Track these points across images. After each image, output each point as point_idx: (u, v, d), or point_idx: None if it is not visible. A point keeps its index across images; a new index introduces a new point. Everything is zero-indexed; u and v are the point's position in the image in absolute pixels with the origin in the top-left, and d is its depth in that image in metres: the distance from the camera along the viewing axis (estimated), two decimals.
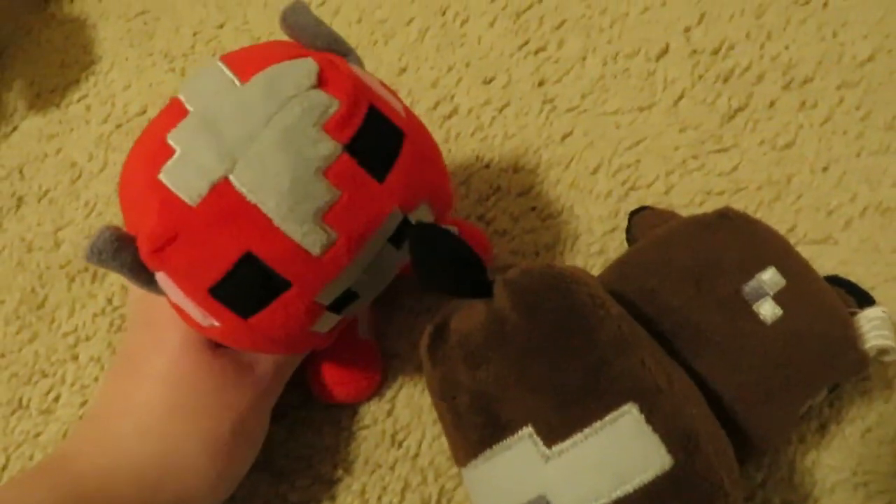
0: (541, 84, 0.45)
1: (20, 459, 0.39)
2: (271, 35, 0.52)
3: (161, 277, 0.28)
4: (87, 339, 0.42)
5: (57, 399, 0.41)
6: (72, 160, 0.49)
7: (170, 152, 0.26)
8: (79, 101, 0.52)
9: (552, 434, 0.24)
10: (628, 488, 0.23)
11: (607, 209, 0.40)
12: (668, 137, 0.41)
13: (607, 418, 0.23)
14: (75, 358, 0.42)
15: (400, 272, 0.31)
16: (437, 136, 0.44)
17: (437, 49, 0.48)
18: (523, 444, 0.24)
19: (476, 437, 0.25)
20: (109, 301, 0.43)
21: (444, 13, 0.49)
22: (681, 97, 0.42)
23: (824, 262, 0.36)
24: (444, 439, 0.35)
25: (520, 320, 0.25)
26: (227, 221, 0.26)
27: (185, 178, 0.26)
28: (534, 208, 0.41)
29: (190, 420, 0.29)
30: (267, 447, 0.37)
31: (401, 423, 0.36)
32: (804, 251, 0.32)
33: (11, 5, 0.59)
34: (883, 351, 0.29)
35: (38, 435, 0.40)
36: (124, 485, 0.28)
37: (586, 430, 0.23)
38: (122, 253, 0.27)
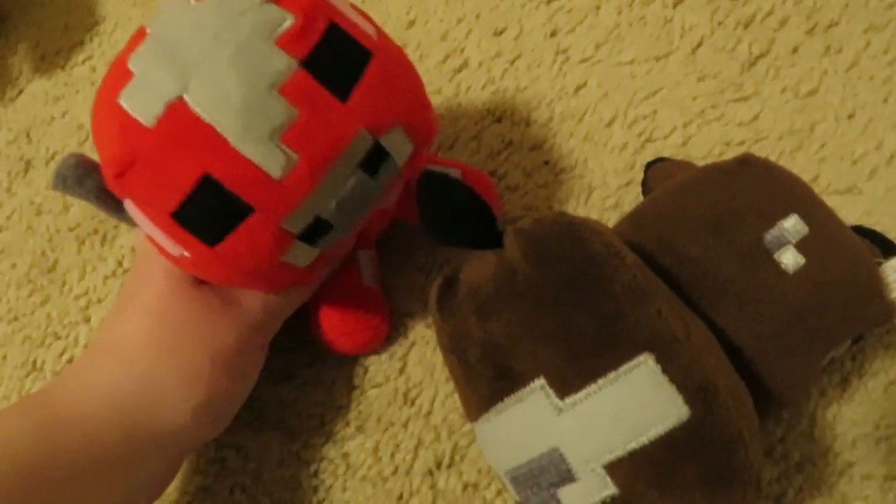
0: (553, 34, 0.43)
1: None
2: None
3: (129, 205, 0.28)
4: (99, 301, 0.42)
5: (70, 361, 0.41)
6: (78, 122, 0.49)
7: (129, 76, 0.26)
8: (84, 62, 0.51)
9: (565, 385, 0.23)
10: (644, 440, 0.22)
11: (623, 162, 0.39)
12: (686, 87, 0.40)
13: (622, 369, 0.23)
14: (87, 320, 0.42)
15: (402, 218, 0.30)
16: (447, 90, 0.43)
17: (445, 1, 0.46)
18: (535, 397, 0.23)
19: (487, 390, 0.25)
20: (120, 263, 0.43)
21: None
22: (699, 45, 0.41)
23: (848, 213, 0.34)
24: (456, 396, 0.35)
25: (531, 270, 0.24)
26: (184, 143, 0.25)
27: (141, 101, 0.26)
28: (547, 162, 0.40)
29: (169, 352, 0.29)
30: (278, 406, 0.37)
31: (413, 381, 0.36)
32: (828, 201, 0.30)
33: None
34: None
35: None
36: (102, 414, 0.28)
37: (600, 382, 0.23)
38: (87, 179, 0.27)
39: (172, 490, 0.36)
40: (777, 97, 0.38)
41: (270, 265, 0.28)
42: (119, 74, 0.26)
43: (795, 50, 0.39)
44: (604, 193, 0.38)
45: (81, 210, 0.45)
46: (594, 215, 0.38)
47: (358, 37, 0.28)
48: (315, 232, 0.28)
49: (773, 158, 0.37)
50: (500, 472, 0.26)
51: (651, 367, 0.23)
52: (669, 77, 0.40)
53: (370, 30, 0.29)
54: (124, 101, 0.26)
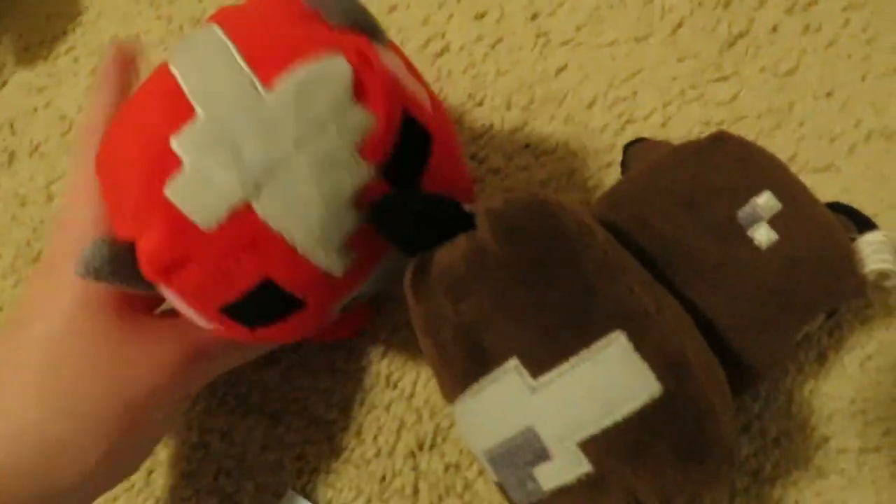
0: (534, 17, 0.43)
1: None
2: None
3: (167, 292, 0.26)
4: None
5: None
6: (61, 113, 0.49)
7: (176, 163, 0.23)
8: (67, 52, 0.51)
9: (538, 365, 0.23)
10: (617, 417, 0.22)
11: (603, 143, 0.39)
12: (666, 68, 0.40)
13: (594, 346, 0.23)
14: None
15: None
16: (429, 74, 0.43)
17: None
18: (509, 377, 0.24)
19: (462, 371, 0.25)
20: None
21: None
22: (679, 25, 0.40)
23: (826, 191, 0.34)
24: None
25: (501, 250, 0.24)
26: (246, 249, 0.24)
27: (198, 201, 0.23)
28: (528, 145, 0.40)
29: (70, 394, 0.24)
30: (262, 391, 0.37)
31: (396, 365, 0.36)
32: (806, 180, 0.30)
33: None
34: (883, 275, 0.28)
35: None
36: None
37: (572, 360, 0.23)
38: (120, 269, 0.25)
39: (157, 476, 0.36)
40: (756, 76, 0.38)
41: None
42: (160, 153, 0.24)
43: (774, 29, 0.39)
44: (585, 175, 0.38)
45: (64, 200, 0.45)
46: (575, 197, 0.38)
47: (420, 117, 0.26)
48: (348, 307, 0.28)
49: (752, 137, 0.37)
50: (477, 452, 0.26)
51: (623, 344, 0.23)
52: (650, 58, 0.40)
53: (424, 97, 0.28)
54: (174, 196, 0.23)
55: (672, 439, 0.22)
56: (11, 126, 0.49)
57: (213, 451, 0.36)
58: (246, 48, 0.24)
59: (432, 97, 0.29)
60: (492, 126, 0.41)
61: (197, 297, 0.26)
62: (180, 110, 0.24)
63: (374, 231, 0.25)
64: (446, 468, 0.33)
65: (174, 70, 0.25)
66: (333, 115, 0.24)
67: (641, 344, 0.23)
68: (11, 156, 0.48)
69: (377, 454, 0.34)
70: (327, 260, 0.25)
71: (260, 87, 0.23)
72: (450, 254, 0.25)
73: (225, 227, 0.23)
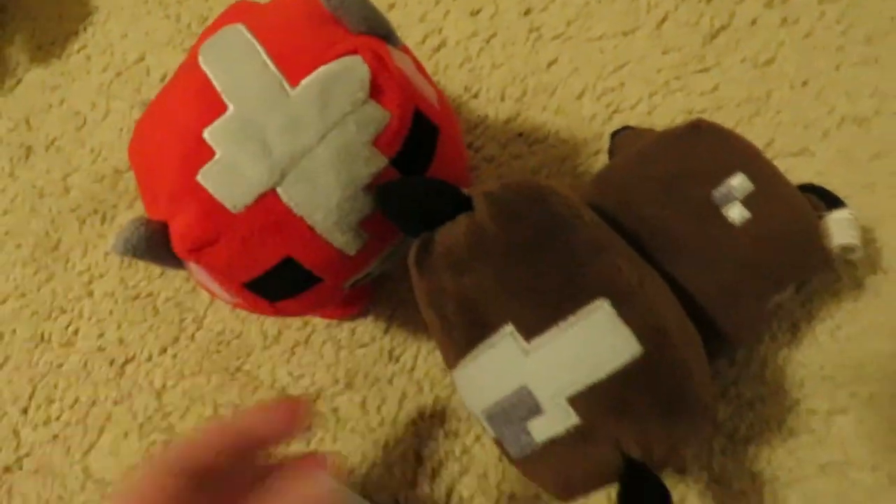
0: (527, 13, 0.45)
1: (45, 388, 0.42)
2: None
3: (195, 268, 0.28)
4: (101, 276, 0.44)
5: (76, 332, 0.43)
6: (75, 109, 0.51)
7: (209, 153, 0.26)
8: (79, 51, 0.53)
9: (531, 329, 0.25)
10: (602, 374, 0.24)
11: (592, 132, 0.41)
12: (652, 60, 0.42)
13: (581, 312, 0.25)
14: (90, 294, 0.44)
15: None
16: (427, 68, 0.45)
17: None
18: (505, 341, 0.26)
19: (463, 338, 0.27)
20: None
21: None
22: (664, 20, 0.43)
23: (801, 173, 0.37)
24: (438, 353, 0.37)
25: (499, 229, 0.26)
26: (271, 231, 0.26)
27: (229, 186, 0.26)
28: (520, 134, 0.42)
29: None
30: (270, 367, 0.39)
31: (397, 341, 0.38)
32: (781, 164, 0.33)
33: None
34: (849, 249, 0.30)
35: (60, 366, 0.43)
36: None
37: (562, 324, 0.25)
38: (155, 246, 0.27)
39: None
40: (737, 67, 0.40)
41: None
42: (194, 144, 0.26)
43: (754, 22, 0.41)
44: (575, 162, 0.41)
45: (81, 192, 0.47)
46: (566, 182, 0.40)
47: (429, 113, 0.29)
48: (358, 282, 0.31)
49: (732, 125, 0.39)
50: (476, 412, 0.28)
51: (607, 311, 0.25)
52: (636, 51, 0.42)
53: (432, 94, 0.31)
54: (207, 182, 0.26)
55: (652, 395, 0.25)
56: (27, 122, 0.52)
57: None
58: (273, 49, 0.27)
59: (439, 93, 0.32)
60: (487, 117, 0.43)
61: (223, 273, 0.28)
62: (213, 105, 0.26)
63: (384, 216, 0.28)
64: (445, 435, 0.36)
65: (205, 68, 0.27)
66: (352, 111, 0.26)
67: (624, 311, 0.25)
68: (28, 150, 0.50)
69: (381, 423, 0.37)
70: (343, 240, 0.28)
71: (287, 86, 0.26)
72: (451, 233, 0.27)
73: (252, 210, 0.26)
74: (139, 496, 0.24)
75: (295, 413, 0.27)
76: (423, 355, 0.38)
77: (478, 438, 0.35)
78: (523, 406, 0.26)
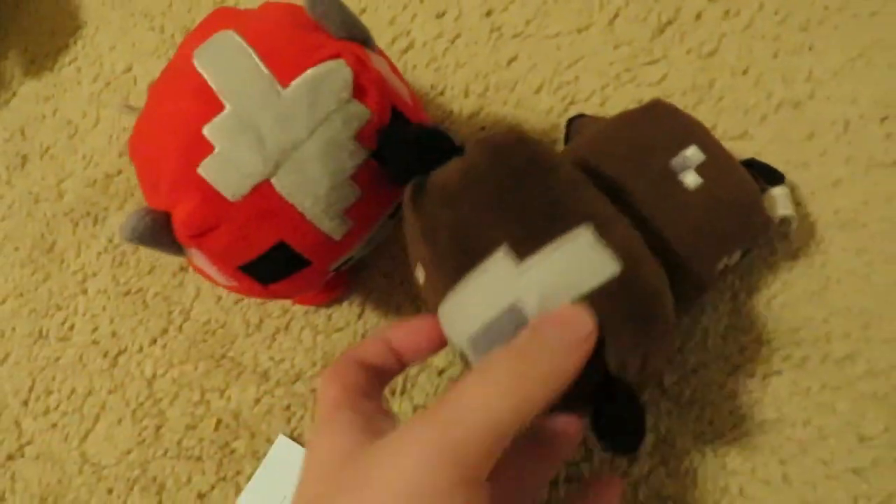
0: (489, 14, 0.48)
1: (44, 381, 0.45)
2: None
3: (195, 253, 0.31)
4: (94, 274, 0.47)
5: (72, 328, 0.46)
6: (68, 118, 0.54)
7: (208, 148, 0.28)
8: (70, 63, 0.56)
9: (524, 250, 0.27)
10: (585, 289, 0.26)
11: (549, 123, 0.43)
12: (604, 54, 0.44)
13: (568, 235, 0.27)
14: (84, 292, 0.47)
15: None
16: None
17: None
18: (499, 263, 0.27)
19: (454, 267, 0.28)
20: (110, 240, 0.48)
21: None
22: (616, 16, 0.45)
23: (742, 155, 0.39)
24: None
25: (490, 165, 0.28)
26: (266, 217, 0.29)
27: (227, 177, 0.29)
28: (483, 128, 0.45)
29: None
30: (252, 353, 0.42)
31: (371, 324, 0.41)
32: (724, 146, 0.35)
33: None
34: (786, 220, 0.33)
35: (57, 359, 0.45)
36: None
37: (552, 245, 0.26)
38: (159, 234, 0.30)
39: (165, 430, 0.41)
40: (682, 58, 0.43)
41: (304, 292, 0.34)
42: (193, 140, 0.28)
43: (699, 16, 0.44)
44: None
45: (75, 196, 0.50)
46: None
47: (404, 110, 0.32)
48: (343, 265, 0.34)
49: None
50: (461, 341, 0.28)
51: (591, 235, 0.27)
52: (590, 46, 0.45)
53: (406, 94, 0.34)
54: (207, 174, 0.29)
55: (628, 308, 0.26)
56: (22, 132, 0.55)
57: (213, 407, 0.41)
58: (264, 53, 0.30)
59: (411, 92, 0.35)
60: (452, 112, 0.46)
61: (221, 258, 0.31)
62: (211, 104, 0.29)
63: (368, 207, 0.31)
64: (415, 409, 0.38)
65: (201, 70, 0.30)
66: (338, 108, 0.29)
67: (604, 235, 0.27)
68: (24, 158, 0.53)
69: None
70: (330, 226, 0.31)
71: (278, 86, 0.29)
72: (444, 173, 0.29)
73: (248, 198, 0.29)
74: (339, 378, 0.27)
75: (434, 330, 0.29)
76: None
77: None
78: (513, 323, 0.26)
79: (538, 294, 0.26)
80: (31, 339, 0.46)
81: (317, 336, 0.41)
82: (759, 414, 0.34)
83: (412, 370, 0.39)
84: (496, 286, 0.27)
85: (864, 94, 0.39)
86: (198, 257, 0.31)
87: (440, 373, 0.39)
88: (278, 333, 0.42)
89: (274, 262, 0.31)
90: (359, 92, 0.30)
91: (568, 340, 0.25)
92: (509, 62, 0.46)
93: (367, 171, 0.31)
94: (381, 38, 0.49)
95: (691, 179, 0.32)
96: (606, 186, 0.31)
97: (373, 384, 0.28)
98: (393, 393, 0.39)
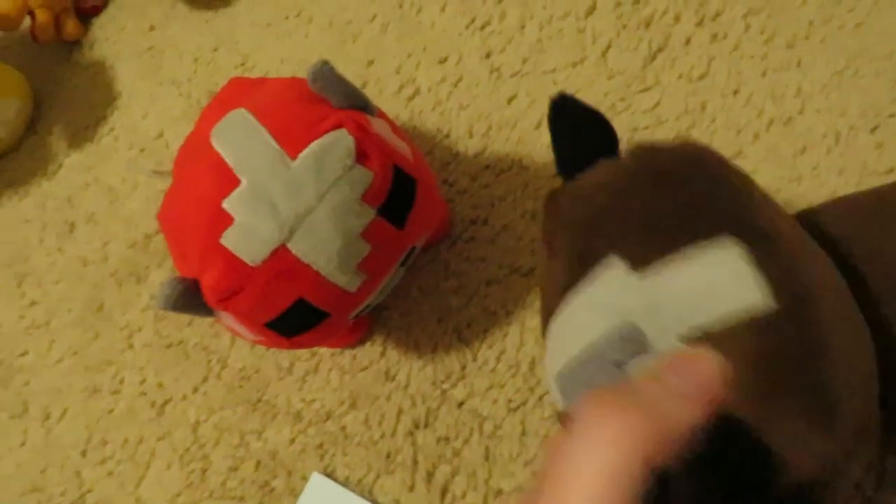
0: (487, 56, 0.50)
1: (99, 432, 0.48)
2: (258, 50, 0.59)
3: (224, 314, 0.34)
4: (139, 329, 0.51)
5: (122, 381, 0.50)
6: (108, 185, 0.58)
7: (228, 219, 0.31)
8: (108, 133, 0.61)
9: (640, 260, 0.23)
10: (718, 312, 0.21)
11: (549, 158, 0.45)
12: (599, 85, 0.46)
13: (702, 246, 0.22)
14: (131, 347, 0.50)
15: None
16: (403, 115, 0.51)
17: (397, 39, 0.54)
18: (612, 272, 0.24)
19: (567, 273, 0.25)
20: (152, 297, 0.52)
21: (401, 6, 0.55)
22: (608, 47, 0.47)
23: None
24: (428, 369, 0.42)
25: (634, 165, 0.26)
26: (285, 278, 0.32)
27: (247, 245, 0.31)
28: (488, 166, 0.47)
29: None
30: (286, 396, 0.44)
31: (392, 361, 0.43)
32: None
33: (42, 59, 0.69)
34: None
35: (111, 411, 0.49)
36: None
37: (678, 256, 0.22)
38: (190, 300, 0.33)
39: (210, 474, 0.44)
40: (674, 84, 0.44)
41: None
42: (215, 213, 0.31)
43: (688, 41, 0.45)
44: (536, 185, 0.45)
45: (118, 257, 0.54)
46: (529, 205, 0.44)
47: (406, 167, 0.35)
48: (362, 311, 0.37)
49: (671, 137, 0.43)
50: (562, 362, 0.25)
51: (737, 248, 0.22)
52: (585, 79, 0.47)
53: (406, 150, 0.37)
54: (228, 243, 0.31)
55: (782, 370, 0.21)
56: (70, 200, 0.59)
57: (252, 448, 0.44)
58: (273, 129, 0.33)
59: (413, 148, 0.37)
60: (458, 154, 0.48)
61: (248, 317, 0.34)
62: (228, 179, 0.32)
63: (378, 259, 0.34)
64: (437, 441, 0.40)
65: (218, 148, 0.33)
66: (343, 174, 0.32)
67: (757, 256, 0.22)
68: (72, 226, 0.57)
69: (382, 436, 0.41)
70: (345, 280, 0.33)
71: (287, 159, 0.32)
72: (587, 175, 0.27)
73: (267, 262, 0.32)
74: None
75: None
76: (414, 373, 0.42)
77: (465, 442, 0.40)
78: (627, 344, 0.23)
79: (658, 314, 0.22)
80: (86, 394, 0.50)
81: (343, 376, 0.44)
82: None
83: (433, 403, 0.41)
84: (608, 299, 0.23)
85: (852, 104, 0.40)
86: (226, 318, 0.34)
87: (460, 405, 0.41)
88: (308, 375, 0.44)
89: (296, 318, 0.34)
90: (361, 157, 0.33)
91: (685, 391, 0.19)
92: (509, 101, 0.48)
93: (376, 228, 0.33)
94: (388, 88, 0.52)
95: None
96: (854, 258, 0.26)
97: None
98: (416, 427, 0.41)
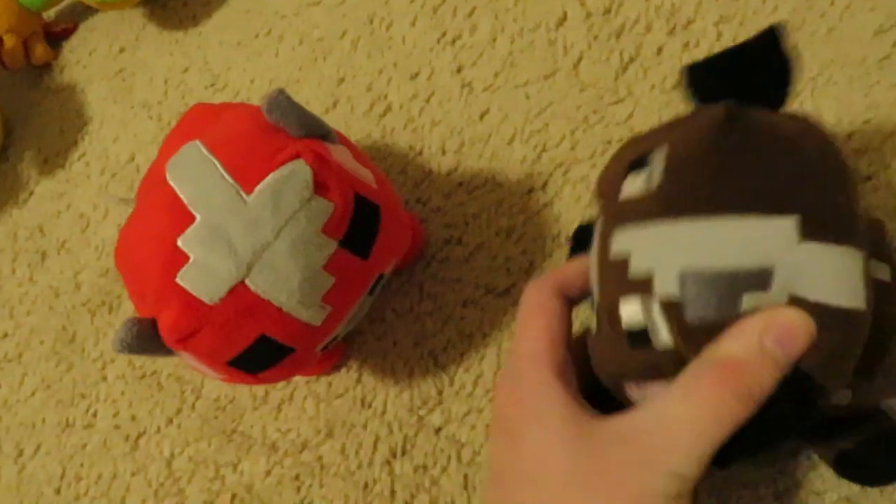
0: (459, 70, 0.49)
1: (73, 468, 0.47)
2: (229, 70, 0.58)
3: (185, 354, 0.33)
4: (112, 361, 0.50)
5: (95, 415, 0.49)
6: (80, 212, 0.57)
7: (184, 258, 0.30)
8: (79, 159, 0.60)
9: (812, 233, 0.25)
10: (833, 303, 0.24)
11: (523, 172, 0.44)
12: (571, 98, 0.45)
13: (852, 249, 0.25)
14: (104, 378, 0.49)
15: None
16: (375, 133, 0.50)
17: (368, 56, 0.53)
18: (785, 226, 0.25)
19: (721, 198, 0.26)
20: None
21: (371, 21, 0.54)
22: (580, 59, 0.46)
23: None
24: (405, 395, 0.41)
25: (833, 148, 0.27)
26: (245, 315, 0.31)
27: (204, 284, 0.30)
28: (461, 184, 0.46)
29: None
30: (261, 426, 0.43)
31: (368, 388, 0.42)
32: None
33: (11, 84, 0.68)
34: None
35: (84, 446, 0.48)
36: None
37: (837, 246, 0.25)
38: (147, 342, 0.32)
39: None
40: (647, 95, 0.43)
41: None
42: (170, 252, 0.30)
43: (660, 51, 0.44)
44: (511, 202, 0.44)
45: (90, 287, 0.53)
46: (504, 222, 0.44)
47: (369, 194, 0.34)
48: (330, 343, 0.36)
49: None
50: (676, 267, 0.26)
51: (863, 259, 0.25)
52: (557, 92, 0.46)
53: (369, 176, 0.35)
54: (185, 283, 0.30)
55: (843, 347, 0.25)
56: (41, 229, 0.58)
57: (228, 481, 0.43)
58: (228, 162, 0.32)
59: (375, 173, 0.36)
60: (431, 171, 0.47)
61: (209, 357, 0.33)
62: (182, 216, 0.31)
63: (343, 291, 0.33)
64: (415, 469, 0.39)
65: (172, 183, 0.32)
66: (301, 207, 0.31)
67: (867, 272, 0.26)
68: (44, 255, 0.57)
69: (359, 466, 0.40)
70: (308, 314, 0.32)
71: (242, 193, 0.31)
72: (786, 120, 0.28)
73: (226, 300, 0.31)
74: (538, 309, 0.29)
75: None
76: (391, 399, 0.41)
77: (444, 470, 0.39)
78: (754, 280, 0.24)
79: (794, 274, 0.24)
80: (59, 429, 0.49)
81: (319, 404, 0.43)
82: None
83: (409, 431, 0.40)
84: (763, 244, 0.25)
85: (827, 112, 0.39)
86: (187, 358, 0.33)
87: (437, 431, 0.40)
88: (283, 404, 0.43)
89: (259, 354, 0.33)
90: (320, 188, 0.31)
91: (783, 355, 0.23)
92: (482, 116, 0.47)
93: (339, 259, 0.32)
94: (359, 106, 0.51)
95: None
96: None
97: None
98: (394, 455, 0.40)
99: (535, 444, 0.26)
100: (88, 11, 0.68)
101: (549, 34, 0.48)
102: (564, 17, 0.48)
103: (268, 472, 0.42)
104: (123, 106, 0.61)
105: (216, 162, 0.31)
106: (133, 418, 0.47)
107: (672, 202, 0.26)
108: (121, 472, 0.46)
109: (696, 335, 0.25)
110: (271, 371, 0.34)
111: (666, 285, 0.25)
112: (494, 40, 0.49)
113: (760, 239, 0.25)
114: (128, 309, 0.51)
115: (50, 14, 0.70)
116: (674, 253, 0.26)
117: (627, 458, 0.24)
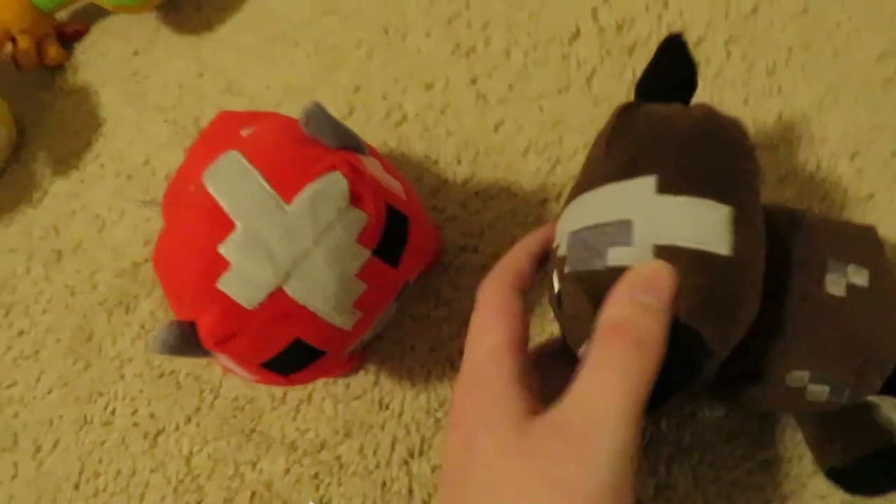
0: (473, 82, 0.51)
1: (91, 464, 0.48)
2: (244, 75, 0.59)
3: (221, 356, 0.34)
4: (130, 360, 0.51)
5: (113, 412, 0.49)
6: (95, 213, 0.58)
7: (224, 264, 0.31)
8: (94, 160, 0.61)
9: (668, 187, 0.28)
10: (694, 247, 0.27)
11: (537, 183, 0.46)
12: (585, 112, 0.47)
13: (712, 201, 0.27)
14: (122, 377, 0.50)
15: None
16: (391, 141, 0.51)
17: (383, 65, 0.54)
18: (643, 186, 0.28)
19: (611, 169, 0.30)
20: (142, 326, 0.51)
21: (386, 31, 0.55)
22: (593, 74, 0.48)
23: None
24: (422, 397, 0.42)
25: (698, 121, 0.30)
26: (281, 320, 0.32)
27: (243, 290, 0.32)
28: (476, 193, 0.47)
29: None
30: (280, 426, 0.45)
31: (386, 390, 0.43)
32: None
33: (24, 85, 0.68)
34: None
35: (102, 443, 0.49)
36: None
37: (694, 198, 0.27)
38: (187, 344, 0.33)
39: (205, 502, 0.44)
40: None
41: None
42: (211, 259, 0.31)
43: None
44: (525, 212, 0.46)
45: (107, 286, 0.54)
46: (519, 231, 0.45)
47: (399, 205, 0.35)
48: (357, 347, 0.37)
49: None
50: (578, 225, 0.30)
51: (728, 212, 0.27)
52: (571, 105, 0.47)
53: (398, 187, 0.37)
54: (225, 288, 0.31)
55: (713, 291, 0.27)
56: (56, 229, 0.59)
57: (247, 479, 0.44)
58: (267, 172, 0.33)
59: (404, 184, 0.38)
60: (447, 181, 0.48)
61: (244, 359, 0.34)
62: (223, 224, 0.32)
63: (373, 297, 0.34)
64: (433, 469, 0.41)
65: (212, 192, 0.33)
66: (338, 217, 0.33)
67: (741, 221, 0.28)
68: (59, 254, 0.57)
69: (377, 465, 0.42)
70: (340, 320, 0.34)
71: (282, 203, 0.32)
72: (663, 110, 0.31)
73: (264, 305, 0.32)
74: (498, 313, 0.30)
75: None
76: (408, 401, 0.43)
77: None
78: (616, 234, 0.28)
79: (651, 223, 0.27)
80: (77, 426, 0.50)
81: (337, 405, 0.44)
82: (758, 453, 0.36)
83: (427, 432, 0.42)
84: (627, 202, 0.28)
85: (833, 132, 0.41)
86: (223, 359, 0.34)
87: None
88: (301, 405, 0.45)
89: (292, 357, 0.34)
90: (355, 199, 0.33)
91: (657, 300, 0.25)
92: (496, 127, 0.49)
93: (371, 267, 0.34)
94: (375, 114, 0.52)
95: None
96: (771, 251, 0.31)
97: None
98: (411, 455, 0.41)
99: (489, 451, 0.26)
100: (100, 13, 0.69)
101: (563, 48, 0.49)
102: (578, 33, 0.50)
103: (287, 471, 0.43)
104: (137, 109, 0.62)
105: (256, 171, 0.32)
106: (151, 416, 0.48)
107: (577, 184, 0.32)
108: (140, 469, 0.47)
109: (571, 286, 0.29)
110: (301, 373, 0.35)
111: (561, 249, 0.30)
112: (508, 53, 0.51)
113: (622, 197, 0.29)
114: (144, 309, 0.52)
115: (62, 15, 0.70)
116: (568, 222, 0.30)
117: (564, 451, 0.24)
